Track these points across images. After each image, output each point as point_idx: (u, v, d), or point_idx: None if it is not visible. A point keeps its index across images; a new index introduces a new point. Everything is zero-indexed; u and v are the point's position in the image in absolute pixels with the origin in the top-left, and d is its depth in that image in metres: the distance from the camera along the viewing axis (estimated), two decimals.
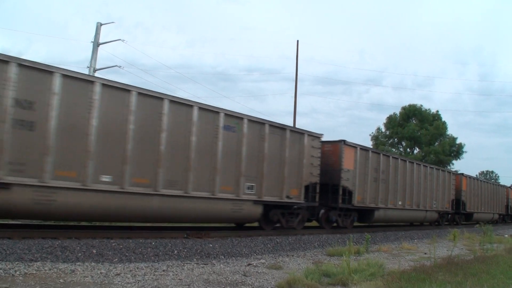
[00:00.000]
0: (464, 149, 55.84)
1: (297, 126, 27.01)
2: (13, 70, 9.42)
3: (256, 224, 16.44)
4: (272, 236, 14.07)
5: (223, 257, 10.75)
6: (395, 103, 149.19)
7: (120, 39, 31.00)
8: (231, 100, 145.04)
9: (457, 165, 56.08)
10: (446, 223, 29.76)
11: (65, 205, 10.17)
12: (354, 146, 19.06)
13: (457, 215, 31.03)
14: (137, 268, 8.40)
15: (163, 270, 8.39)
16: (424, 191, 25.18)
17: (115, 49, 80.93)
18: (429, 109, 56.78)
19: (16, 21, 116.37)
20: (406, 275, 8.36)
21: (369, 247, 13.31)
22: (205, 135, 13.01)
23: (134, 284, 6.99)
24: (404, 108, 57.16)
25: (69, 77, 10.27)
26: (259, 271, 8.97)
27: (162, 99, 12.01)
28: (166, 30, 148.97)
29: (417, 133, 54.04)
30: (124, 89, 11.30)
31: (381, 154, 21.46)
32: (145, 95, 11.67)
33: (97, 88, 10.67)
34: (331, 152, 18.31)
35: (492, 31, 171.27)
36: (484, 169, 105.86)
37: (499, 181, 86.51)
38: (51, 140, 9.90)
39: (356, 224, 20.74)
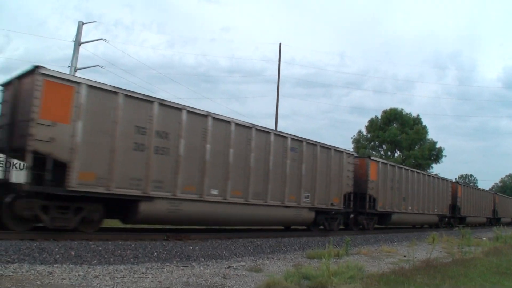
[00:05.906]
0: (443, 153, 56.75)
1: (278, 129, 27.27)
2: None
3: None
4: (253, 239, 14.06)
5: (203, 259, 10.70)
6: (376, 107, 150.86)
7: (102, 39, 30.74)
8: (212, 101, 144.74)
9: (436, 169, 56.87)
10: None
11: None
12: (376, 161, 23.21)
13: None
14: (116, 270, 8.32)
15: (142, 273, 8.32)
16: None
17: (96, 48, 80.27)
18: (409, 113, 57.56)
19: None
20: (385, 277, 8.43)
21: (349, 250, 13.38)
22: None
23: (113, 287, 6.92)
24: (385, 112, 57.77)
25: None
26: (239, 274, 8.95)
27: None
28: (147, 29, 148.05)
29: (398, 137, 54.63)
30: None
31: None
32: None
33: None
34: (359, 166, 21.73)
35: (471, 36, 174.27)
36: (463, 173, 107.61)
37: (478, 184, 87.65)
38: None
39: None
